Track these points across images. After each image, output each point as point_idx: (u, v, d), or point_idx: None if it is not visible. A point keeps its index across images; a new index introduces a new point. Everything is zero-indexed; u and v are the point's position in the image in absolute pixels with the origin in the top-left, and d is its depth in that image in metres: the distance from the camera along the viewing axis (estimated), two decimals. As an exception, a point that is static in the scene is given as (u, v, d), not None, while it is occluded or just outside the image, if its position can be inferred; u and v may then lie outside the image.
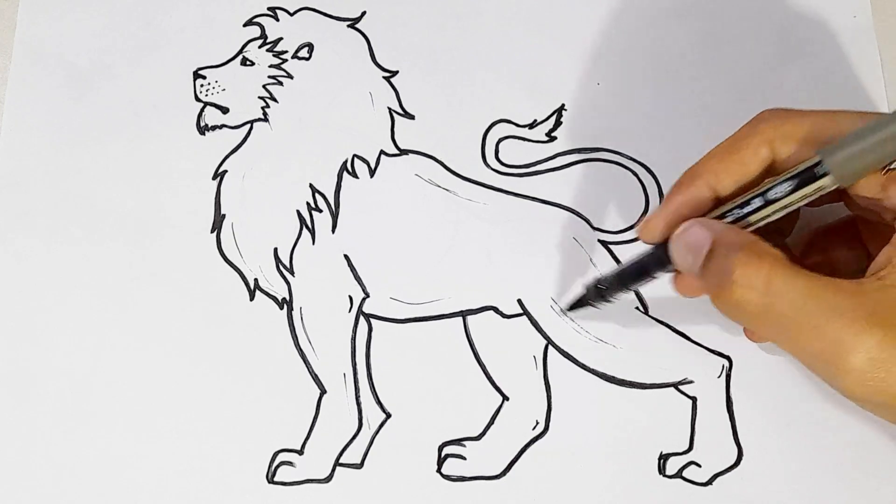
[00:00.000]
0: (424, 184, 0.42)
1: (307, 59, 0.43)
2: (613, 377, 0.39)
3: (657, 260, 0.34)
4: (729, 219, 0.33)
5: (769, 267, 0.30)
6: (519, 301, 0.40)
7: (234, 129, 0.42)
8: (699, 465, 0.38)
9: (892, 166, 0.30)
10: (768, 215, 0.32)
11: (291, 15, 0.44)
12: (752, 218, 0.32)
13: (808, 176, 0.31)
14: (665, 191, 0.41)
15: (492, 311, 0.40)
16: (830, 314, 0.29)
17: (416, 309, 0.40)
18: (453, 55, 0.44)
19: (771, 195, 0.32)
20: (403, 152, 0.42)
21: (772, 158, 0.33)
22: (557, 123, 0.42)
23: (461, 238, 0.41)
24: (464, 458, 0.38)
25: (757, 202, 0.32)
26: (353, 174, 0.42)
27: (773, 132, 0.33)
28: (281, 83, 0.43)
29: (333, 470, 0.38)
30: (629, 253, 0.40)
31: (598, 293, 0.37)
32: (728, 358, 0.39)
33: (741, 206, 0.32)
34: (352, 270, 0.40)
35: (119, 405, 0.38)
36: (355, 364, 0.39)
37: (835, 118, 0.32)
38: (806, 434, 0.38)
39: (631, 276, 0.36)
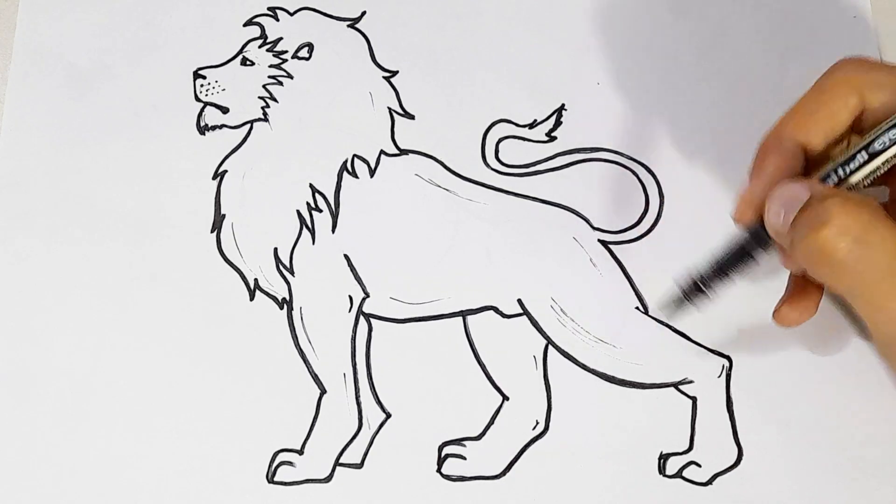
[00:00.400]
0: (424, 184, 0.42)
1: (307, 59, 0.43)
2: (613, 377, 0.39)
3: (756, 237, 0.32)
4: (832, 179, 0.30)
5: (869, 215, 0.28)
6: (519, 301, 0.40)
7: (234, 129, 0.42)
8: (699, 465, 0.38)
9: None
10: (875, 170, 0.30)
11: (291, 15, 0.44)
12: (856, 177, 0.30)
13: None
14: (665, 191, 0.41)
15: (492, 311, 0.40)
16: None
17: (416, 309, 0.40)
18: (453, 55, 0.44)
19: (878, 146, 0.29)
20: (403, 152, 0.42)
21: (862, 107, 0.31)
22: (557, 123, 0.42)
23: (461, 238, 0.41)
24: (464, 458, 0.38)
25: (861, 157, 0.29)
26: (353, 174, 0.42)
27: (861, 79, 0.31)
28: (281, 83, 0.43)
29: (333, 470, 0.38)
30: (629, 253, 0.41)
31: (696, 288, 0.34)
32: (728, 358, 0.39)
33: (844, 163, 0.30)
34: (352, 270, 0.40)
35: (119, 405, 0.38)
36: (355, 364, 0.39)
37: None
38: (806, 434, 0.38)
39: (730, 262, 0.33)
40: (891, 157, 0.29)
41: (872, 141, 0.29)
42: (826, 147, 0.31)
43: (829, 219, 0.28)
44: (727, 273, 0.33)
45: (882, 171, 0.30)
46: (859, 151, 0.30)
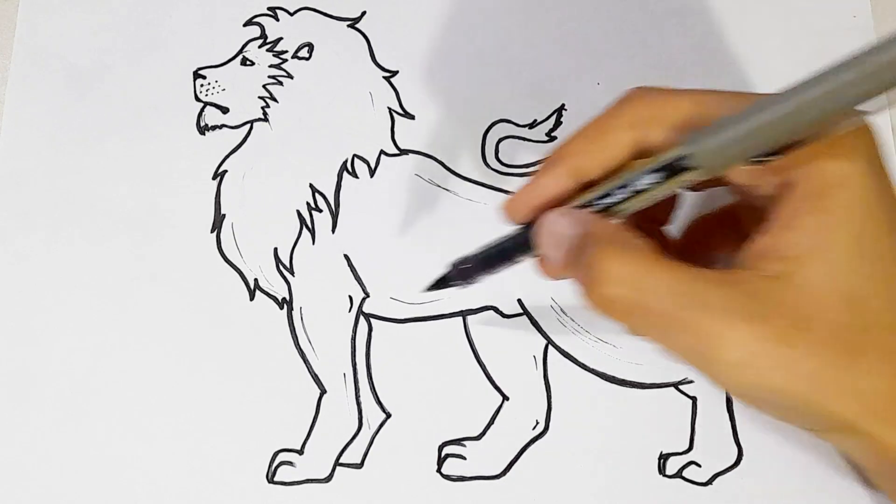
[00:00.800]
0: (424, 184, 0.42)
1: (307, 59, 0.43)
2: (613, 377, 0.39)
3: (522, 243, 0.32)
4: (596, 208, 0.30)
5: (638, 261, 0.28)
6: (519, 301, 0.40)
7: (234, 129, 0.42)
8: (699, 465, 0.38)
9: (762, 158, 0.27)
10: (633, 206, 0.30)
11: (291, 15, 0.44)
12: (618, 208, 0.30)
13: (673, 168, 0.29)
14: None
15: (492, 311, 0.40)
16: (701, 307, 0.27)
17: (416, 309, 0.40)
18: (453, 55, 0.44)
19: (636, 186, 0.29)
20: (403, 152, 0.42)
21: (637, 144, 0.31)
22: (557, 123, 0.42)
23: (461, 238, 0.41)
24: (464, 458, 0.38)
25: (620, 193, 0.30)
26: (353, 174, 0.42)
27: (639, 115, 0.30)
28: (281, 83, 0.43)
29: (333, 470, 0.38)
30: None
31: (460, 273, 0.35)
32: (728, 358, 0.39)
33: (605, 196, 0.30)
34: (352, 270, 0.40)
35: (119, 405, 0.38)
36: (355, 364, 0.39)
37: (706, 100, 0.30)
38: (806, 434, 0.38)
39: (494, 258, 0.34)
40: (648, 198, 0.30)
41: (633, 180, 0.29)
42: (604, 175, 0.31)
43: (601, 275, 0.28)
44: (489, 267, 0.34)
45: (642, 207, 0.30)
46: (619, 188, 0.30)
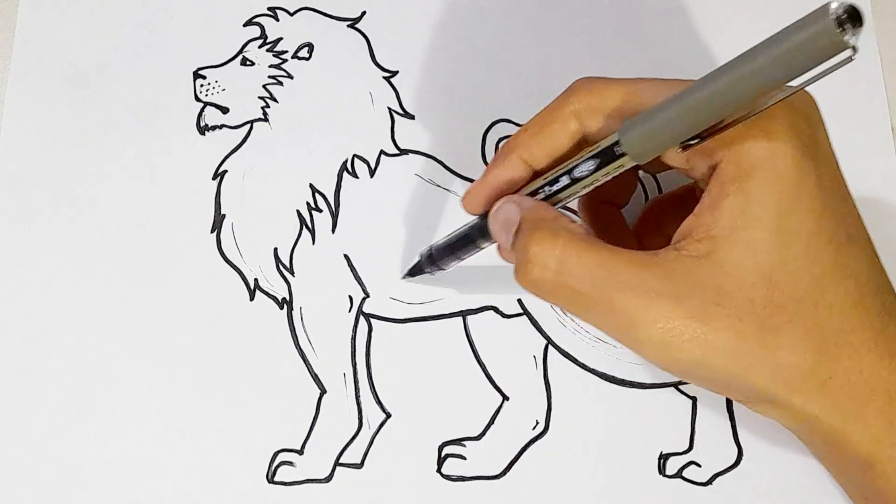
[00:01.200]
0: (424, 184, 0.42)
1: (307, 59, 0.43)
2: (613, 377, 0.39)
3: (481, 230, 0.34)
4: (541, 195, 0.32)
5: (563, 244, 0.30)
6: (519, 301, 0.40)
7: (234, 129, 0.42)
8: (699, 465, 0.38)
9: (689, 142, 0.28)
10: (577, 192, 0.32)
11: (291, 15, 0.44)
12: (563, 194, 0.32)
13: (608, 154, 0.30)
14: (665, 190, 0.41)
15: (492, 311, 0.40)
16: (620, 288, 0.29)
17: (416, 309, 0.40)
18: (453, 55, 0.44)
19: (576, 173, 0.31)
20: (403, 152, 0.42)
21: (581, 133, 0.32)
22: (557, 123, 0.42)
23: (461, 238, 0.41)
24: (464, 458, 0.38)
25: (564, 180, 0.32)
26: (353, 174, 0.42)
27: (580, 104, 0.32)
28: (281, 83, 0.43)
29: (333, 470, 0.38)
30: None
31: (430, 261, 0.37)
32: (728, 358, 0.39)
33: (550, 183, 0.32)
34: (352, 270, 0.40)
35: (119, 405, 0.38)
36: (355, 364, 0.39)
37: (640, 89, 0.31)
38: (806, 434, 0.38)
39: (458, 245, 0.36)
40: (589, 184, 0.31)
41: (573, 167, 0.31)
42: (552, 164, 0.33)
43: (528, 257, 0.30)
44: (455, 253, 0.36)
45: (585, 193, 0.32)
46: (562, 175, 0.32)
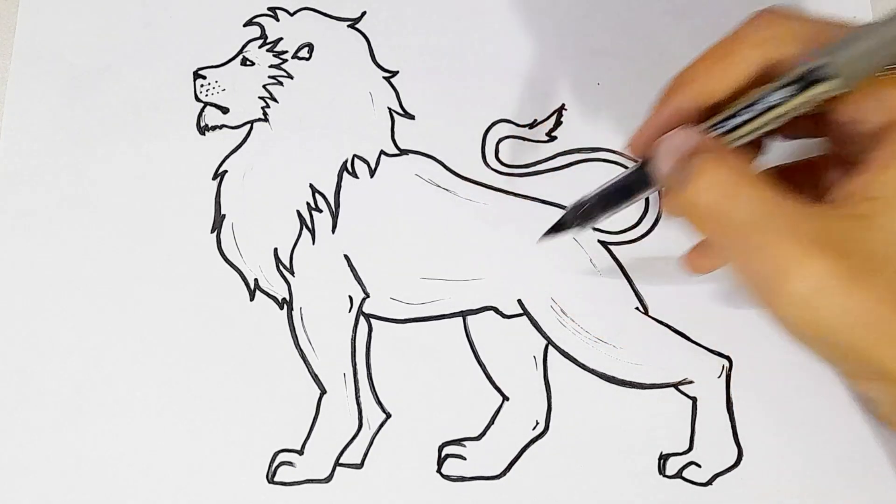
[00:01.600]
0: (424, 184, 0.42)
1: (307, 59, 0.43)
2: (613, 377, 0.39)
3: (641, 177, 0.32)
4: (719, 131, 0.30)
5: (738, 171, 0.28)
6: (519, 301, 0.40)
7: (234, 129, 0.42)
8: (699, 465, 0.38)
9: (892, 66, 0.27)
10: (763, 125, 0.30)
11: (291, 15, 0.44)
12: (744, 129, 0.30)
13: (809, 79, 0.28)
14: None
15: (492, 311, 0.40)
16: (784, 232, 0.27)
17: (416, 309, 0.40)
18: (453, 55, 0.44)
19: (768, 101, 0.29)
20: (403, 152, 0.42)
21: (766, 62, 0.30)
22: (557, 123, 0.42)
23: (461, 238, 0.41)
24: (464, 458, 0.38)
25: (748, 113, 0.30)
26: (353, 174, 0.42)
27: (769, 33, 0.30)
28: (281, 83, 0.43)
29: (333, 470, 0.38)
30: (629, 253, 0.41)
31: (578, 215, 0.34)
32: (728, 358, 0.39)
33: (733, 116, 0.30)
34: (352, 270, 0.40)
35: (119, 405, 0.38)
36: (355, 364, 0.39)
37: (830, 24, 0.30)
38: (806, 434, 0.38)
39: (612, 196, 0.33)
40: (780, 115, 0.29)
41: (764, 97, 0.29)
42: (731, 96, 0.31)
43: (700, 172, 0.28)
44: (609, 205, 0.33)
45: (771, 128, 0.30)
46: (749, 105, 0.30)
